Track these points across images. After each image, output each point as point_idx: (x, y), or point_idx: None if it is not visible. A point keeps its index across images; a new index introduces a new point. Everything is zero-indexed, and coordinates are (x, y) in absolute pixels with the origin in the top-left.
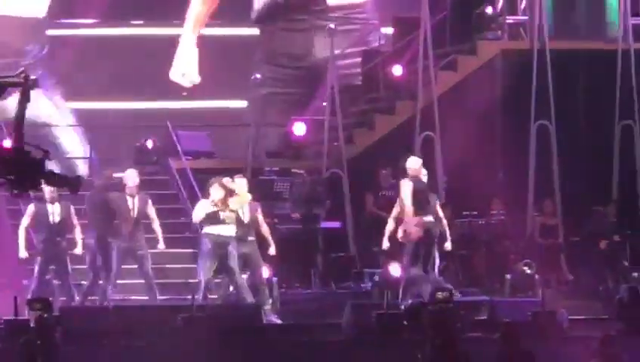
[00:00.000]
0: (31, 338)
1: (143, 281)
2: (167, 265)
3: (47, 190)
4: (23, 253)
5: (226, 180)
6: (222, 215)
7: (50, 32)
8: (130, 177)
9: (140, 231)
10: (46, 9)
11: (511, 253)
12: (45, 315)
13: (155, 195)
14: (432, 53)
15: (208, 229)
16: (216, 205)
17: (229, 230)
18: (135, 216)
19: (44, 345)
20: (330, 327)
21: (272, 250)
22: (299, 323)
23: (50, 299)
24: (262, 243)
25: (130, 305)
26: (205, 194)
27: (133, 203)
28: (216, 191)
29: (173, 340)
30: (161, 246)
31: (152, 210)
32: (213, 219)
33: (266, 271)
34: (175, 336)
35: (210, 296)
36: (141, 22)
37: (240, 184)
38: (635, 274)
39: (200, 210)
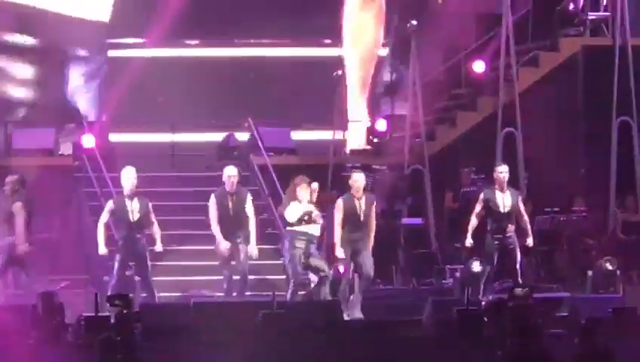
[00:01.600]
0: (110, 334)
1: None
2: (251, 262)
3: (128, 186)
4: (102, 250)
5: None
6: (313, 214)
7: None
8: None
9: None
10: (109, 14)
11: (593, 249)
12: (125, 311)
13: None
14: (514, 50)
15: (298, 228)
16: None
17: (316, 229)
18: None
19: (123, 341)
20: (411, 324)
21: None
22: (380, 320)
23: (131, 295)
24: None
25: (210, 301)
26: (290, 193)
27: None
28: (305, 191)
29: (253, 336)
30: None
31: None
32: (302, 218)
33: (341, 267)
34: (255, 332)
35: (298, 294)
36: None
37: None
38: None
39: (296, 210)
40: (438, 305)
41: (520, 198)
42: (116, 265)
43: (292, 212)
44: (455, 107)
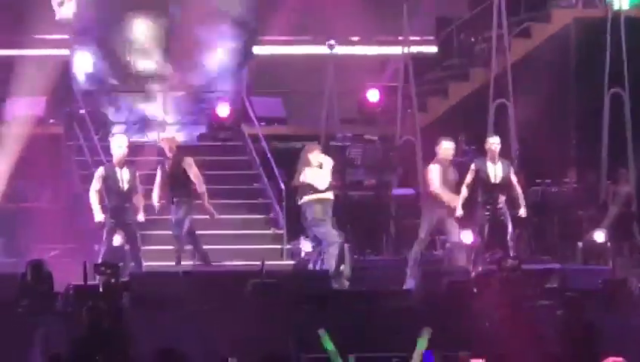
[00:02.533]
0: (97, 303)
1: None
2: (240, 231)
3: (117, 154)
4: (99, 216)
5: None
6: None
7: None
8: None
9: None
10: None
11: (583, 221)
12: (113, 280)
13: (229, 161)
14: (507, 21)
15: (323, 195)
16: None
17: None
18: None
19: (110, 309)
20: (400, 294)
21: None
22: (369, 290)
23: (120, 264)
24: None
25: (199, 271)
26: (304, 160)
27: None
28: (318, 156)
29: (242, 305)
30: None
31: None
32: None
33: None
34: (244, 302)
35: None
36: None
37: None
38: None
39: (324, 175)
40: (428, 275)
41: (512, 169)
42: (105, 234)
43: (321, 177)
44: (447, 78)
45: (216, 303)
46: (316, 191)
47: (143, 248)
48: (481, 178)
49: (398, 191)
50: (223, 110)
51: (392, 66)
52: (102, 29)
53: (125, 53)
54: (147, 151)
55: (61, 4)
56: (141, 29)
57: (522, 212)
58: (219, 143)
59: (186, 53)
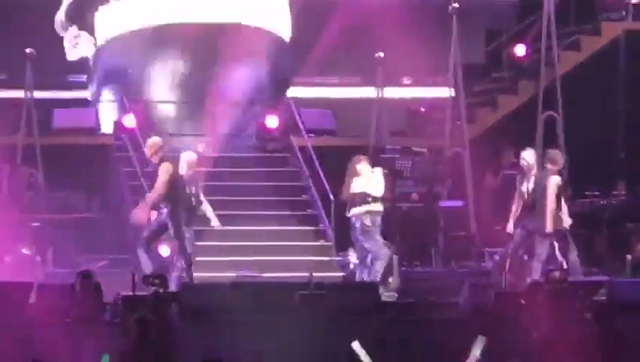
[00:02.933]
0: (146, 314)
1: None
2: (288, 243)
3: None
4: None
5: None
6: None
7: None
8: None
9: None
10: (289, 33)
11: (632, 233)
12: (161, 291)
13: (277, 172)
14: (556, 33)
15: (373, 206)
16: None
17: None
18: None
19: (159, 321)
20: (448, 306)
21: None
22: (417, 302)
23: (169, 275)
24: None
25: (248, 281)
26: (350, 173)
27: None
28: (366, 167)
29: (290, 317)
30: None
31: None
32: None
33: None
34: (293, 313)
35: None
36: None
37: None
38: None
39: (380, 181)
40: (476, 287)
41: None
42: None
43: (373, 185)
44: (496, 90)
45: (264, 314)
46: (367, 200)
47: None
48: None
49: (446, 203)
50: (272, 121)
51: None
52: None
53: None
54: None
55: (76, 45)
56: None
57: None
58: (268, 154)
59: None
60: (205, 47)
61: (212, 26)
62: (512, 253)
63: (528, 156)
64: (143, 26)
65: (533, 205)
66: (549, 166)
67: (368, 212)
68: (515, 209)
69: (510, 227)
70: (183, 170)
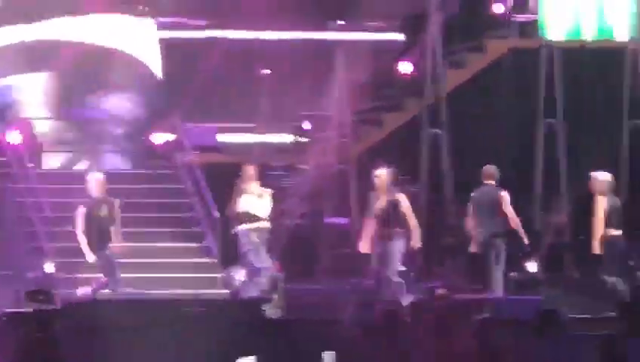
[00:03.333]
0: (29, 330)
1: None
2: (173, 260)
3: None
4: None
5: None
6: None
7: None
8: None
9: None
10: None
11: (517, 250)
12: (45, 308)
13: (163, 189)
14: (441, 51)
15: (260, 224)
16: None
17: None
18: None
19: (43, 337)
20: (333, 323)
21: None
22: (302, 319)
23: (54, 291)
24: None
25: (133, 299)
26: (238, 190)
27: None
28: (256, 186)
29: (174, 334)
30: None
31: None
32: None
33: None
34: (178, 330)
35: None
36: None
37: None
38: None
39: (260, 205)
40: (361, 304)
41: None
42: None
43: (259, 206)
44: (381, 108)
45: (148, 332)
46: (254, 219)
47: (77, 276)
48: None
49: (331, 220)
50: (158, 138)
51: (326, 96)
52: None
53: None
54: None
55: None
56: None
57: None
58: (152, 171)
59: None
60: (84, 68)
61: (92, 48)
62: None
63: (383, 174)
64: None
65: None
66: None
67: (255, 229)
68: (370, 227)
69: (366, 246)
70: (92, 190)
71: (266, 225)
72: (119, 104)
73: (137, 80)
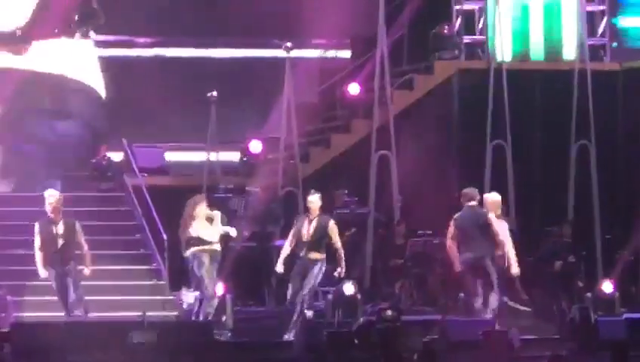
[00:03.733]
0: None
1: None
2: (121, 282)
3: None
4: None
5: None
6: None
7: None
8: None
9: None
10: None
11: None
12: None
13: (111, 212)
14: (389, 72)
15: (211, 246)
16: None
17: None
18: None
19: None
20: (281, 345)
21: None
22: (251, 341)
23: (2, 314)
24: None
25: (81, 321)
26: (188, 214)
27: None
28: (206, 210)
29: (124, 357)
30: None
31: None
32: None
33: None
34: (127, 353)
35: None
36: None
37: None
38: (589, 295)
39: (211, 230)
40: (309, 326)
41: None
42: None
43: (210, 231)
44: (329, 129)
45: (98, 354)
46: (205, 243)
47: (25, 298)
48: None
49: (279, 242)
50: (104, 160)
51: (274, 117)
52: None
53: None
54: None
55: None
56: None
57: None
58: (100, 194)
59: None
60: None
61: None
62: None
63: (315, 199)
64: None
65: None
66: None
67: (206, 251)
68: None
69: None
70: (48, 209)
71: (217, 247)
72: (65, 127)
73: (81, 102)
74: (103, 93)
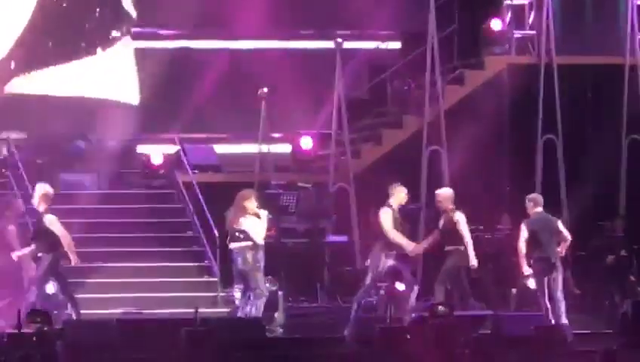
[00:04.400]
0: (30, 351)
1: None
2: (173, 279)
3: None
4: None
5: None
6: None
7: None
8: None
9: None
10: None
11: (517, 267)
12: (45, 328)
13: (162, 209)
14: (440, 68)
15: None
16: None
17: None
18: None
19: (43, 358)
20: (334, 341)
21: None
22: (303, 337)
23: (55, 312)
24: None
25: (133, 318)
26: (238, 207)
27: None
28: (255, 207)
29: (176, 353)
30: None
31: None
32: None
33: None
34: (178, 350)
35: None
36: None
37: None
38: None
39: (258, 227)
40: (361, 322)
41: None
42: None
43: (257, 228)
44: (380, 125)
45: (149, 351)
46: (249, 239)
47: (78, 296)
48: None
49: (331, 238)
50: (157, 158)
51: (325, 113)
52: None
53: None
54: None
55: None
56: None
57: None
58: (152, 191)
59: None
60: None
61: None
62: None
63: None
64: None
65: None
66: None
67: (250, 247)
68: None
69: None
70: (40, 206)
71: (261, 243)
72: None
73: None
74: (135, 100)
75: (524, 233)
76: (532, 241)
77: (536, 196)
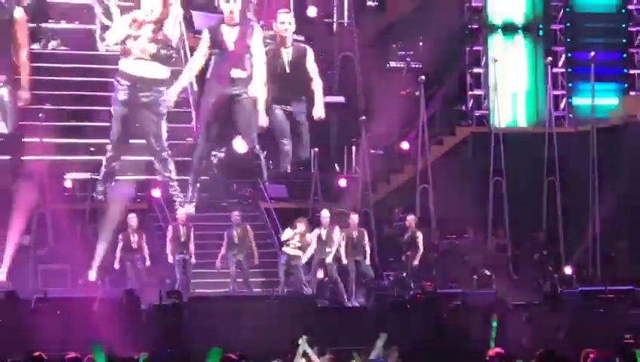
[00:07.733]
0: (167, 316)
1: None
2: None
3: None
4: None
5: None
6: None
7: None
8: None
9: None
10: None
11: (477, 261)
12: (177, 301)
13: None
14: (427, 134)
15: (295, 252)
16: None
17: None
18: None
19: (176, 321)
20: (359, 309)
21: None
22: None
23: (183, 290)
24: None
25: (239, 296)
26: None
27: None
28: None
29: (260, 318)
30: None
31: None
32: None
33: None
34: (260, 316)
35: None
36: None
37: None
38: (556, 276)
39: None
40: (379, 297)
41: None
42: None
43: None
44: (389, 171)
45: (242, 315)
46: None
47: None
48: None
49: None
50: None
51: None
52: None
53: None
54: None
55: None
56: None
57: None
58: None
59: None
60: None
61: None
62: None
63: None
64: None
65: None
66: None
67: (292, 254)
68: None
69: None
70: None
71: (299, 253)
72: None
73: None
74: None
75: None
76: None
77: None
